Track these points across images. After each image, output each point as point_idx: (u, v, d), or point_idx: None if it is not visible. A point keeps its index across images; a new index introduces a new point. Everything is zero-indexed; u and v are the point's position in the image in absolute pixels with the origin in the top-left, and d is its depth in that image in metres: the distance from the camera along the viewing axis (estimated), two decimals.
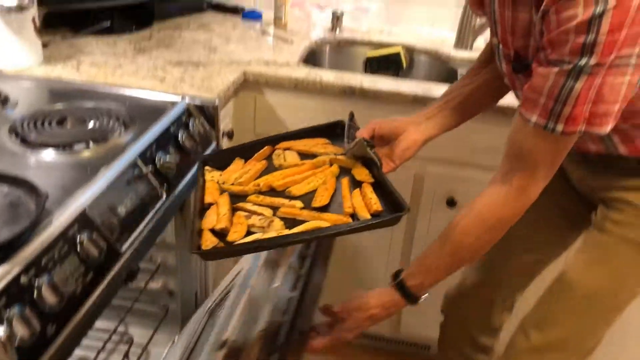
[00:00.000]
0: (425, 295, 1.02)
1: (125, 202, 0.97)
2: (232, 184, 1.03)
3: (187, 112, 1.23)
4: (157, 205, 1.04)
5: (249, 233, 0.91)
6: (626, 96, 0.79)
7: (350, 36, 1.92)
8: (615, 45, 0.73)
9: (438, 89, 1.47)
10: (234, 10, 1.99)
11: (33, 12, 1.29)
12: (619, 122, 0.91)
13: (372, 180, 1.00)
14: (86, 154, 1.03)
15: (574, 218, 1.17)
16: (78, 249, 0.83)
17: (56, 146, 1.03)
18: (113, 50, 1.54)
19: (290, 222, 0.92)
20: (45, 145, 1.03)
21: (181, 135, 1.17)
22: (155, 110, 1.20)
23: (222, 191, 1.02)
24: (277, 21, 1.90)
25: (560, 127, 0.82)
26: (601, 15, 0.71)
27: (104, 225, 0.89)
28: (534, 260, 1.23)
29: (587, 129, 0.81)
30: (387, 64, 1.88)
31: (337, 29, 1.91)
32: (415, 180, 1.59)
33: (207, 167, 1.10)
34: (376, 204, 0.92)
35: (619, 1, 0.70)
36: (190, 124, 1.22)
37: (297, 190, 1.00)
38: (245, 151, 1.13)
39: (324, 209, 0.95)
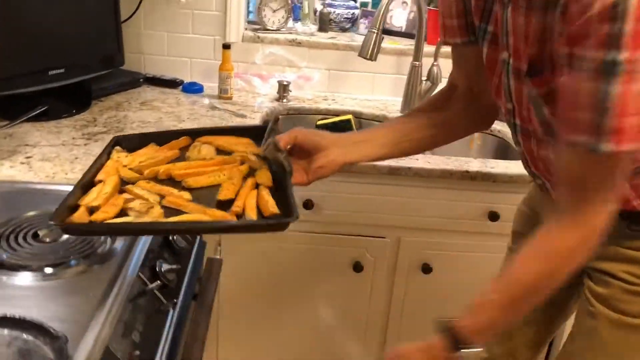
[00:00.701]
0: (479, 348, 0.92)
1: (136, 326, 0.86)
2: (131, 168, 1.00)
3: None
4: (168, 322, 0.93)
5: (124, 216, 0.88)
6: None
7: (299, 105, 1.90)
8: None
9: (410, 161, 1.48)
10: (172, 84, 1.90)
11: None
12: None
13: (270, 184, 0.97)
14: (79, 273, 0.90)
15: (573, 287, 1.12)
16: None
17: (40, 268, 0.89)
18: (59, 138, 1.39)
19: (175, 214, 0.89)
20: (26, 267, 0.89)
21: (171, 235, 1.07)
22: None
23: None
24: (223, 94, 1.84)
25: (607, 146, 0.71)
26: None
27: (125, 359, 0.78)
28: (536, 331, 1.19)
29: None
30: (337, 131, 1.88)
31: (284, 99, 1.89)
32: (390, 247, 1.58)
33: (117, 147, 1.05)
34: (273, 207, 0.90)
35: None
36: None
37: (194, 181, 0.97)
38: (164, 138, 1.09)
39: (229, 203, 0.91)
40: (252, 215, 0.88)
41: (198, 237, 1.18)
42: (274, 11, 1.96)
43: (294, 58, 1.97)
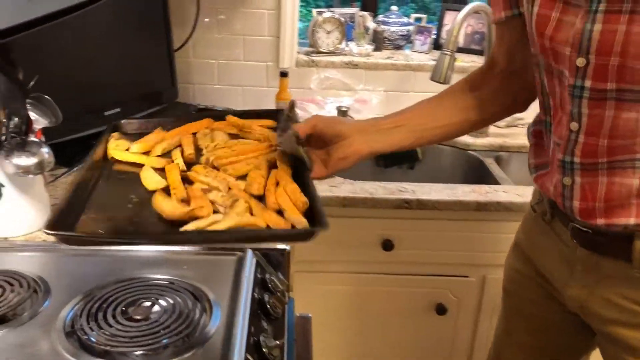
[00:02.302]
0: None
1: None
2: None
3: (259, 267, 1.03)
4: None
5: None
6: None
7: None
8: None
9: (498, 194, 1.37)
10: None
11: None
12: None
13: (290, 179, 0.87)
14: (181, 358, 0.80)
15: (574, 349, 1.04)
16: None
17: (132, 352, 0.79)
18: None
19: None
20: (123, 353, 0.80)
21: (267, 300, 0.97)
22: (219, 272, 0.99)
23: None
24: None
25: None
26: None
27: None
28: None
29: None
30: (401, 157, 1.78)
31: None
32: (475, 287, 1.47)
33: (113, 134, 0.99)
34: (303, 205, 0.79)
35: None
36: (268, 282, 1.01)
37: (234, 170, 0.88)
38: (168, 123, 1.03)
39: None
40: (296, 216, 0.77)
41: (288, 296, 1.08)
42: (328, 32, 1.86)
43: (350, 81, 1.87)
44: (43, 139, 1.05)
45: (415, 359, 1.55)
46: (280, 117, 0.99)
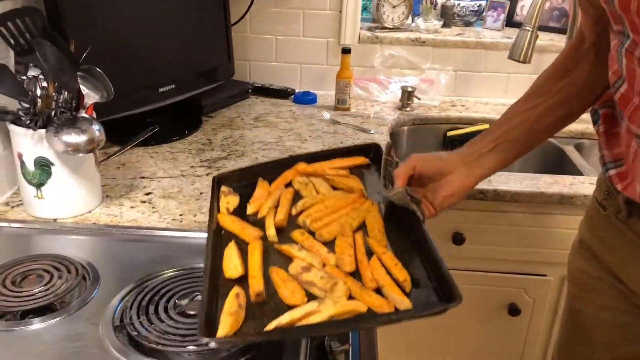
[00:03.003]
0: None
1: None
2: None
3: None
4: None
5: None
6: None
7: (425, 114, 1.67)
8: None
9: (586, 186, 1.23)
10: (283, 94, 1.71)
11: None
12: None
13: (385, 244, 0.78)
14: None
15: None
16: None
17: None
18: (177, 167, 1.23)
19: None
20: (173, 353, 0.72)
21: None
22: None
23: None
24: (340, 104, 1.63)
25: None
26: None
27: None
28: None
29: None
30: None
31: (408, 107, 1.67)
32: (553, 287, 1.33)
33: (223, 189, 0.89)
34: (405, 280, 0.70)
35: None
36: None
37: (328, 234, 0.79)
38: (265, 171, 0.95)
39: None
40: (398, 295, 0.69)
41: None
42: (394, 7, 1.74)
43: (416, 59, 1.74)
44: (94, 115, 0.98)
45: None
46: (375, 153, 0.94)
